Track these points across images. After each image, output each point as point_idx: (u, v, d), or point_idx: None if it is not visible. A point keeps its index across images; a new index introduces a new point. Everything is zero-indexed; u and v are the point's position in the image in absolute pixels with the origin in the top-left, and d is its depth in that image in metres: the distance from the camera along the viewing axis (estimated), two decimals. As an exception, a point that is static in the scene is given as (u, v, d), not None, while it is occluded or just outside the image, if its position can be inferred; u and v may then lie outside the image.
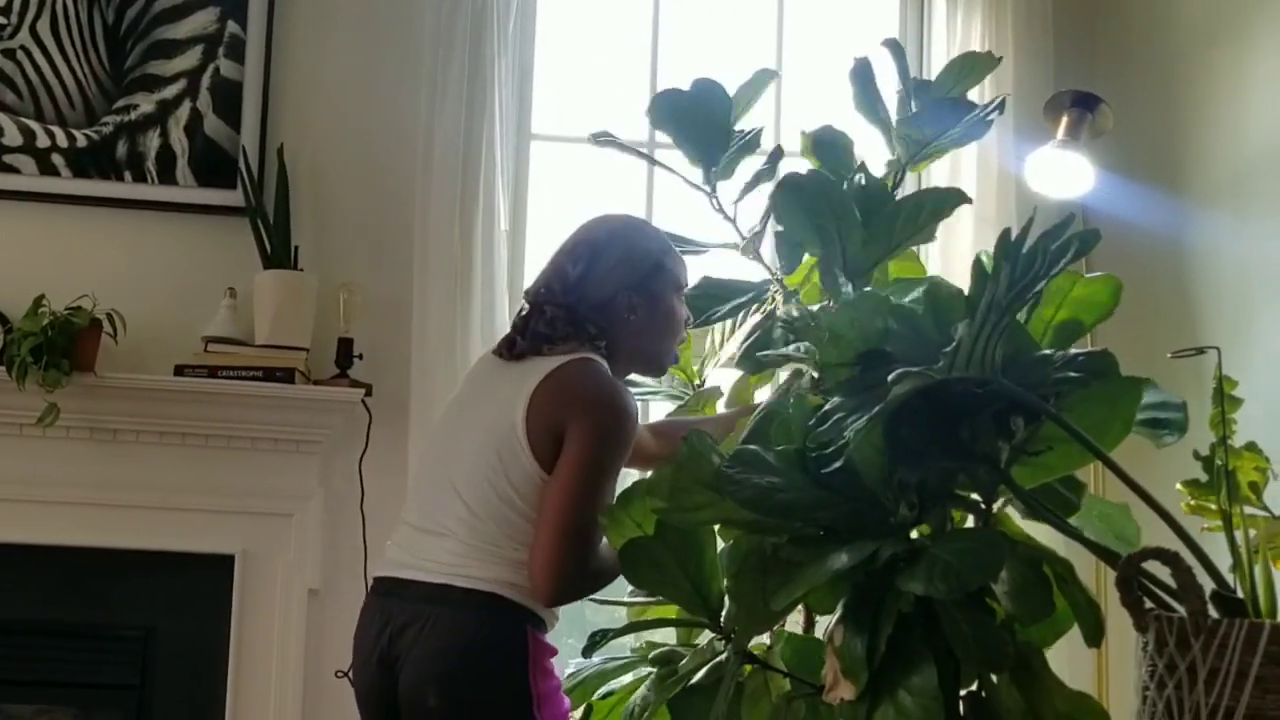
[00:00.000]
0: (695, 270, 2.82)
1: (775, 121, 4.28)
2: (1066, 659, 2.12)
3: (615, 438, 2.60)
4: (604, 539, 2.48)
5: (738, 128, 2.80)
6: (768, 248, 2.64)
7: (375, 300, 4.12)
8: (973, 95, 2.68)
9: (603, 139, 2.96)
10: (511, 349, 2.74)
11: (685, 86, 2.82)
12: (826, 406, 1.92)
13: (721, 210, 2.76)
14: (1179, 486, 2.03)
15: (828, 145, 2.59)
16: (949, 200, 2.35)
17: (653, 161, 2.92)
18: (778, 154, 2.80)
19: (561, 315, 2.72)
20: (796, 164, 2.71)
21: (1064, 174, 3.78)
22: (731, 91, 2.81)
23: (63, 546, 3.96)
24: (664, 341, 2.81)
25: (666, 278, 2.78)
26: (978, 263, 1.88)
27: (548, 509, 2.55)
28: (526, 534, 2.58)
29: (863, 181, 2.52)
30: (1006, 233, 1.83)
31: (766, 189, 2.74)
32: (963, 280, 1.95)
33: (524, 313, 2.79)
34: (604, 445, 2.58)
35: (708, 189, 2.78)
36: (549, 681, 2.63)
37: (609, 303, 2.73)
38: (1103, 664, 3.82)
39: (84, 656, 4.03)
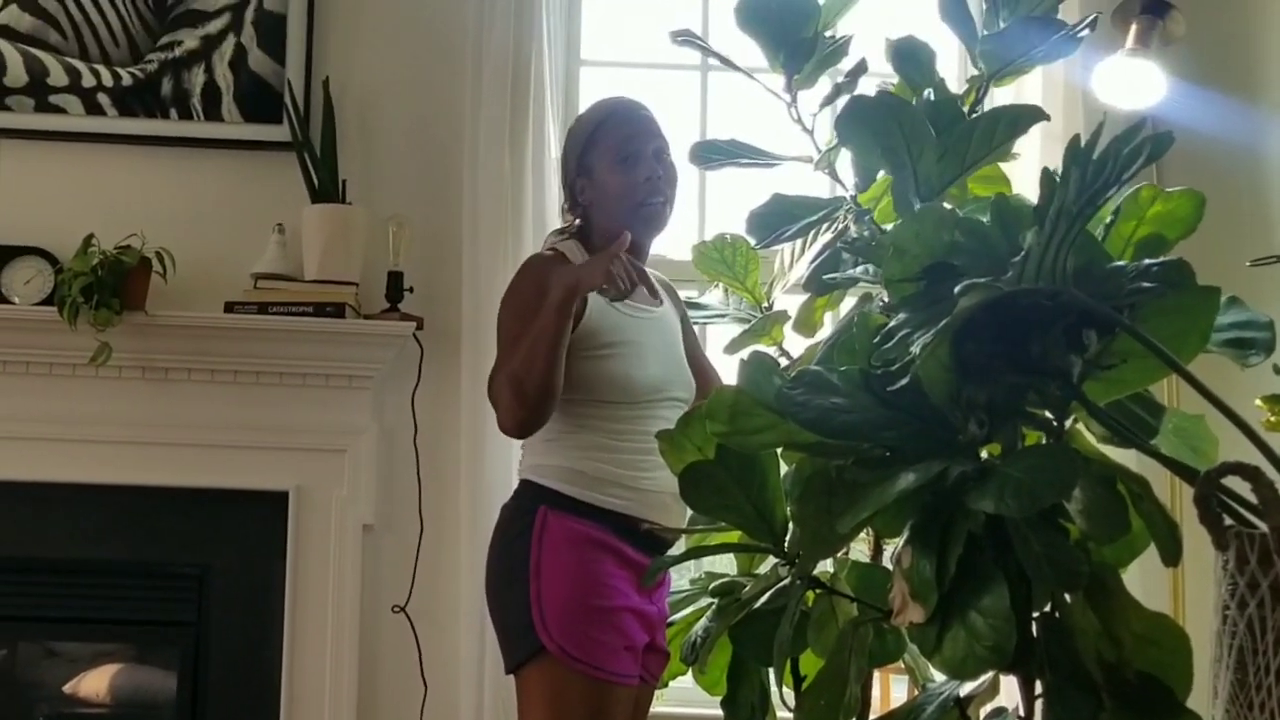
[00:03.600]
0: (768, 186, 2.76)
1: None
2: (1140, 579, 2.06)
3: (507, 303, 2.86)
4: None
5: (827, 34, 2.71)
6: (843, 163, 2.55)
7: (425, 232, 4.08)
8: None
9: (683, 38, 2.89)
10: None
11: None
12: (891, 323, 1.86)
13: (800, 121, 2.67)
14: (1258, 402, 1.97)
15: (909, 55, 2.50)
16: (1025, 117, 2.26)
17: (734, 67, 2.82)
18: (860, 68, 2.70)
19: (571, 217, 3.01)
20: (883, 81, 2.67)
21: (1134, 83, 3.68)
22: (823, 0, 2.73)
23: (117, 485, 3.98)
24: (620, 210, 2.92)
25: (598, 151, 2.95)
26: (1046, 173, 1.80)
27: None
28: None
29: (932, 98, 2.44)
30: (1076, 139, 1.76)
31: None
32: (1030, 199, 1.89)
33: None
34: (501, 311, 2.87)
35: (788, 98, 2.70)
36: (559, 558, 2.72)
37: (573, 195, 2.98)
38: (1179, 584, 3.76)
39: (140, 595, 4.07)
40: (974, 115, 2.35)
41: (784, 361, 2.81)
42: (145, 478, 3.98)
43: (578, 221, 2.98)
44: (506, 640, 2.78)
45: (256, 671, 3.98)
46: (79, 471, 3.96)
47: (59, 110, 4.15)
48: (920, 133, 2.19)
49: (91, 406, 3.96)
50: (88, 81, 4.15)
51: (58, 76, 4.15)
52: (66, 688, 4.09)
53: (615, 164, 2.92)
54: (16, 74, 4.14)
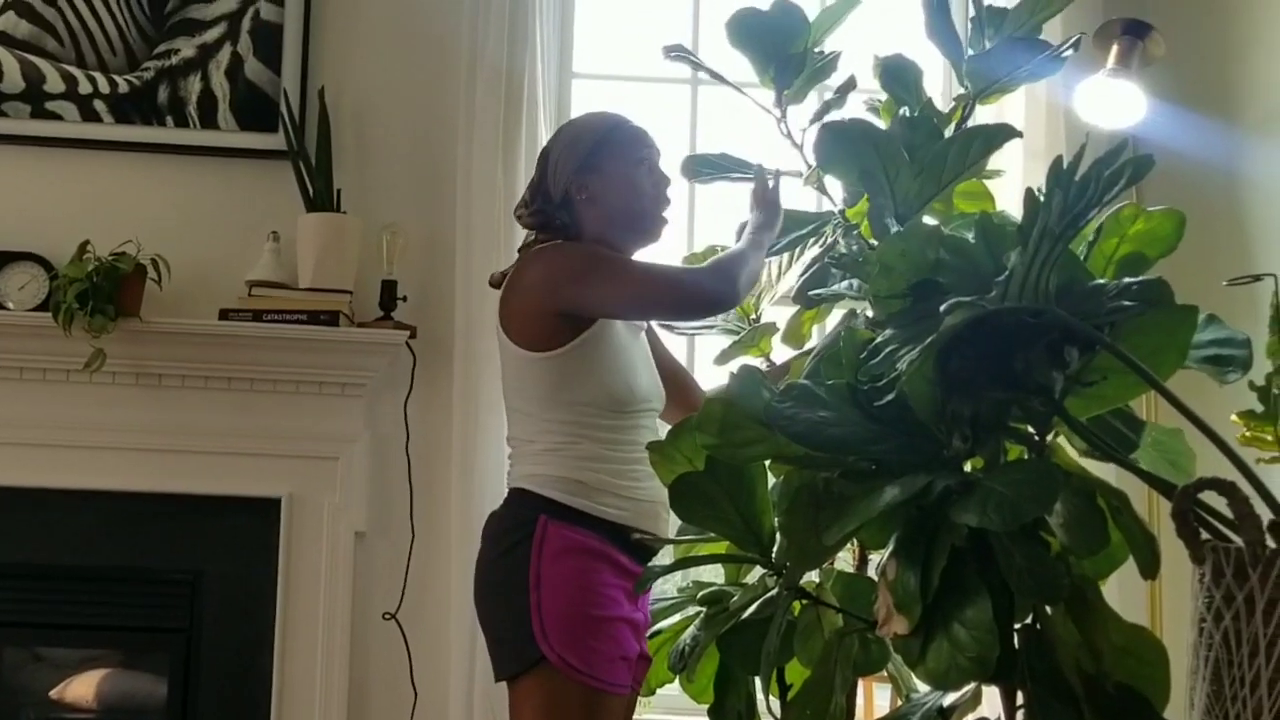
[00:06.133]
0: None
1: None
2: (1119, 592, 2.10)
3: (580, 253, 2.83)
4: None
5: (816, 50, 2.75)
6: (832, 177, 2.58)
7: (419, 241, 4.11)
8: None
9: (675, 53, 2.93)
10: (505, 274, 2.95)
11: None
12: (878, 339, 1.89)
13: (789, 136, 2.70)
14: (1234, 418, 2.00)
15: (896, 74, 2.54)
16: (999, 135, 2.30)
17: (725, 82, 2.86)
18: (849, 85, 2.74)
19: (535, 222, 2.93)
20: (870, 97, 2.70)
21: (1115, 103, 3.73)
22: (812, 16, 2.77)
23: (110, 491, 4.00)
24: (630, 209, 2.91)
25: (612, 150, 2.91)
26: (1029, 193, 1.84)
27: (623, 313, 2.85)
28: (538, 424, 2.80)
29: (909, 116, 2.48)
30: (1058, 160, 1.79)
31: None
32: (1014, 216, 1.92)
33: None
34: (581, 263, 2.81)
35: (778, 113, 2.73)
36: (560, 568, 2.71)
37: (565, 195, 2.89)
38: (1157, 596, 3.80)
39: (131, 601, 4.07)
40: (947, 135, 2.38)
41: (772, 374, 2.84)
42: (138, 484, 3.99)
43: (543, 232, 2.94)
44: (502, 650, 2.77)
45: (248, 678, 4.00)
46: (72, 477, 3.98)
47: (55, 117, 4.18)
48: (894, 154, 2.23)
49: (85, 413, 3.98)
50: (84, 88, 4.17)
51: (54, 83, 4.17)
52: (53, 693, 4.10)
53: (631, 164, 2.90)
54: (13, 80, 4.17)
